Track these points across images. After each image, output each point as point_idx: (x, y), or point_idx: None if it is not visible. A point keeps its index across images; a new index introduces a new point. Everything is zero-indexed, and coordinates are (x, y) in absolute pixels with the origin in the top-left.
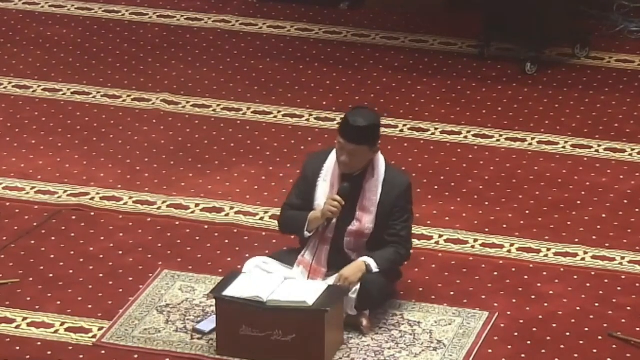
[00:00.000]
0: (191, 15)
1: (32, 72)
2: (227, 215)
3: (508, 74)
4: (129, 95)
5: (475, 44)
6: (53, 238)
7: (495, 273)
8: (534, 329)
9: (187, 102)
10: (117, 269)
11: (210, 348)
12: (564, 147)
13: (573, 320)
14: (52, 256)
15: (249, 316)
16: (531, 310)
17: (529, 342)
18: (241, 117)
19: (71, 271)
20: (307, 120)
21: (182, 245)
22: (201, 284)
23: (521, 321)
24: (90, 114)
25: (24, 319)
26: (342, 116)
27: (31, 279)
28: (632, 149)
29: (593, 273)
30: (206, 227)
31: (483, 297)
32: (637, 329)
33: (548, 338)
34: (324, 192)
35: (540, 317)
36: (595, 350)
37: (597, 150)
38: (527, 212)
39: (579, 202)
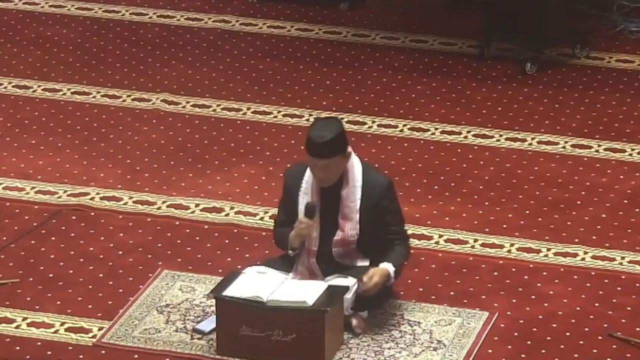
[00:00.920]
0: (191, 15)
1: (32, 72)
2: (227, 215)
3: (508, 74)
4: (129, 95)
5: (475, 44)
6: (53, 238)
7: (495, 273)
8: (534, 329)
9: (187, 102)
10: (117, 269)
11: (210, 348)
12: (564, 147)
13: (573, 320)
14: (52, 256)
15: (249, 316)
16: (531, 310)
17: (529, 342)
18: (241, 117)
19: (71, 271)
20: (307, 120)
21: (182, 245)
22: (201, 284)
23: (521, 321)
24: (90, 114)
25: (24, 319)
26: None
27: (31, 279)
28: (632, 149)
29: (593, 273)
30: (206, 227)
31: (483, 297)
32: (637, 329)
33: (548, 338)
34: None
35: (540, 317)
36: (595, 350)
37: (597, 150)
38: (527, 212)
39: (579, 202)
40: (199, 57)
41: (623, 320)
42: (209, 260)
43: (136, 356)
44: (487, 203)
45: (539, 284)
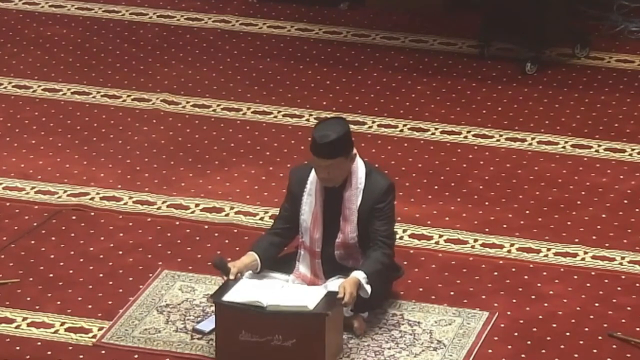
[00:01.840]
0: (191, 15)
1: (32, 72)
2: (227, 215)
3: (508, 74)
4: (129, 95)
5: (475, 44)
6: (53, 238)
7: (495, 273)
8: (534, 329)
9: (187, 102)
10: (117, 269)
11: (210, 348)
12: (564, 147)
13: (573, 320)
14: (52, 256)
15: (248, 321)
16: (531, 310)
17: (529, 342)
18: (241, 117)
19: (71, 271)
20: (307, 120)
21: (182, 245)
22: (201, 284)
23: (521, 321)
24: (90, 114)
25: (24, 319)
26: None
27: (31, 279)
28: (632, 149)
29: (593, 273)
30: (206, 227)
31: (483, 297)
32: (637, 329)
33: (548, 338)
34: (309, 207)
35: (540, 317)
36: (595, 350)
37: (597, 150)
38: (527, 212)
39: (579, 202)
40: (199, 57)
41: (623, 320)
42: (209, 260)
43: (136, 356)
44: (487, 203)
45: (539, 284)
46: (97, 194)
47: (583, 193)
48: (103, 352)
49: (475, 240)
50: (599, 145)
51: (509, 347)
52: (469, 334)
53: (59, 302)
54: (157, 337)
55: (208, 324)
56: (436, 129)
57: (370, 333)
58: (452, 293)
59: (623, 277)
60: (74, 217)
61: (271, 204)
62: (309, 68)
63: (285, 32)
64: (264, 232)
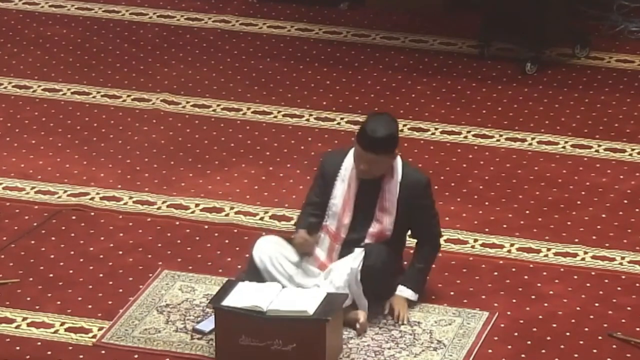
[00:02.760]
0: (191, 15)
1: (32, 72)
2: (227, 215)
3: (508, 74)
4: (129, 95)
5: (475, 44)
6: (53, 238)
7: (495, 273)
8: (534, 329)
9: (187, 102)
10: (117, 269)
11: (210, 348)
12: (564, 147)
13: (573, 320)
14: (52, 256)
15: (248, 326)
16: (531, 310)
17: (529, 342)
18: (241, 117)
19: (71, 271)
20: (307, 120)
21: (182, 245)
22: (201, 284)
23: (521, 321)
24: (90, 114)
25: (24, 319)
26: (361, 122)
27: (31, 279)
28: (632, 149)
29: (593, 273)
30: (206, 227)
31: (483, 297)
32: (637, 329)
33: (548, 338)
34: (342, 192)
35: (540, 317)
36: (595, 350)
37: (597, 150)
38: (527, 212)
39: (579, 202)
40: (199, 57)
41: (623, 320)
42: (209, 260)
43: (136, 356)
44: (487, 203)
45: (539, 284)
46: (97, 194)
47: (583, 193)
48: (103, 352)
49: (475, 240)
50: (599, 145)
51: (509, 347)
52: (469, 334)
53: (59, 302)
54: (157, 337)
55: (208, 324)
56: (436, 129)
57: (370, 333)
58: (452, 293)
59: (623, 277)
60: (74, 217)
61: (271, 204)
62: (309, 68)
63: (285, 32)
64: (263, 232)
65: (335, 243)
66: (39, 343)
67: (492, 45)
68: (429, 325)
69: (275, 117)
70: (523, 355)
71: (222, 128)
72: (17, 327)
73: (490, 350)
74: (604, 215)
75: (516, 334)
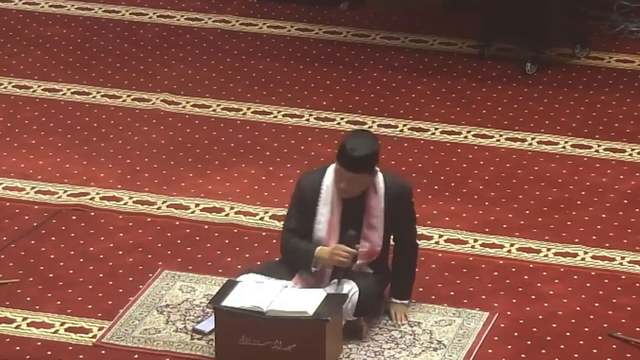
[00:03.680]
0: (191, 15)
1: (32, 72)
2: (227, 215)
3: (508, 74)
4: (129, 95)
5: (475, 44)
6: (53, 238)
7: (495, 273)
8: (534, 329)
9: (187, 102)
10: (117, 269)
11: (210, 348)
12: (564, 147)
13: (573, 320)
14: (52, 256)
15: (248, 326)
16: (531, 310)
17: (529, 342)
18: (241, 117)
19: (71, 271)
20: (307, 120)
21: (182, 245)
22: (201, 284)
23: (521, 321)
24: (90, 114)
25: (24, 319)
26: (340, 143)
27: (31, 279)
28: (632, 149)
29: (593, 273)
30: (206, 227)
31: (483, 297)
32: (637, 329)
33: (548, 338)
34: (326, 217)
35: (540, 317)
36: (595, 350)
37: (597, 150)
38: (527, 212)
39: (579, 202)
40: (199, 57)
41: (623, 320)
42: (209, 260)
43: (136, 356)
44: (487, 203)
45: (539, 284)
46: (97, 194)
47: (583, 193)
48: (103, 352)
49: (475, 240)
50: (599, 145)
51: (509, 347)
52: (469, 334)
53: (59, 302)
54: (157, 337)
55: (208, 324)
56: (436, 129)
57: (370, 333)
58: (452, 293)
59: (623, 277)
60: (74, 217)
61: (271, 204)
62: (309, 68)
63: (285, 32)
64: (263, 232)
65: (328, 267)
66: (39, 343)
67: (492, 45)
68: (429, 326)
69: (275, 117)
70: (523, 355)
71: (222, 128)
72: (17, 327)
73: (490, 350)
74: (604, 215)
75: (516, 334)
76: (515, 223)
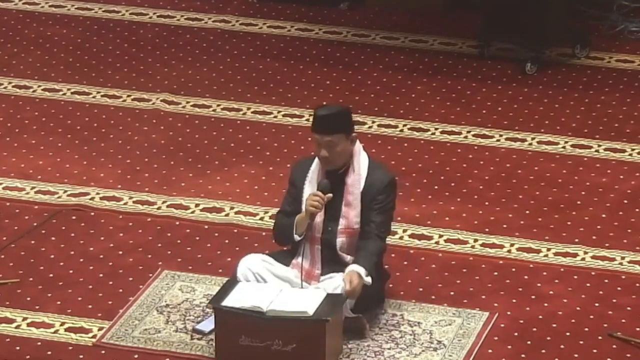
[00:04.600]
0: (191, 15)
1: (32, 72)
2: (227, 215)
3: (508, 74)
4: (129, 95)
5: (475, 44)
6: (53, 238)
7: (495, 273)
8: (534, 329)
9: (187, 102)
10: (117, 269)
11: (210, 348)
12: (564, 147)
13: (573, 320)
14: (52, 256)
15: (248, 326)
16: (531, 310)
17: (529, 342)
18: (241, 117)
19: (71, 271)
20: (307, 120)
21: (182, 245)
22: (201, 284)
23: (521, 321)
24: (90, 114)
25: (24, 319)
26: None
27: (31, 279)
28: (632, 149)
29: (593, 273)
30: (206, 227)
31: (483, 297)
32: (637, 329)
33: (548, 338)
34: (309, 193)
35: (540, 317)
36: (595, 350)
37: (597, 150)
38: (527, 212)
39: (579, 202)
40: (199, 57)
41: (623, 320)
42: (209, 260)
43: (136, 356)
44: (487, 203)
45: (539, 284)
46: (97, 194)
47: (583, 193)
48: (103, 352)
49: (475, 240)
50: (599, 145)
51: (509, 347)
52: (469, 334)
53: (59, 302)
54: (157, 337)
55: (208, 324)
56: (436, 129)
57: (370, 333)
58: (452, 293)
59: (623, 277)
60: (74, 217)
61: (271, 204)
62: (309, 68)
63: (285, 32)
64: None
65: (314, 245)
66: (39, 343)
67: (492, 45)
68: (429, 326)
69: (275, 117)
70: (523, 355)
71: (222, 128)
72: (17, 327)
73: (490, 350)
74: (604, 215)
75: (516, 334)
76: (515, 223)
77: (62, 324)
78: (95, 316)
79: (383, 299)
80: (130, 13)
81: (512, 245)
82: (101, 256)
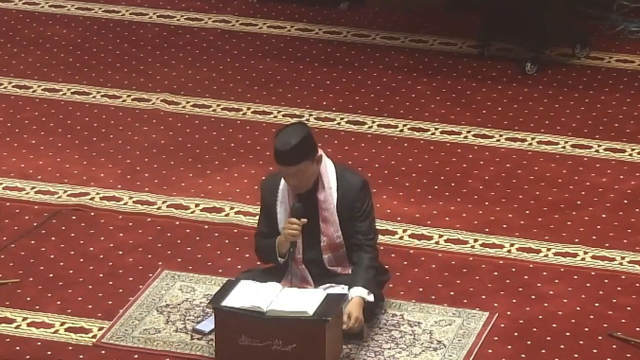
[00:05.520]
0: (191, 15)
1: (32, 72)
2: (227, 215)
3: (508, 74)
4: (129, 95)
5: (475, 44)
6: (53, 238)
7: (495, 273)
8: (534, 329)
9: (187, 102)
10: (117, 269)
11: (210, 348)
12: (564, 147)
13: (573, 320)
14: (52, 256)
15: (248, 326)
16: (531, 310)
17: (529, 342)
18: (241, 117)
19: (71, 271)
20: (307, 120)
21: (182, 245)
22: (201, 284)
23: (521, 321)
24: (90, 114)
25: (24, 319)
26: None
27: (31, 279)
28: (632, 149)
29: (593, 273)
30: (206, 227)
31: (483, 297)
32: (637, 329)
33: (548, 338)
34: (284, 215)
35: (540, 317)
36: (595, 350)
37: (597, 150)
38: (527, 212)
39: (579, 202)
40: (199, 57)
41: (623, 320)
42: (209, 260)
43: (136, 356)
44: (487, 203)
45: (539, 284)
46: (97, 194)
47: (583, 193)
48: (103, 352)
49: (475, 240)
50: (599, 145)
51: (509, 347)
52: (469, 334)
53: (59, 302)
54: (157, 337)
55: (208, 324)
56: (436, 129)
57: (370, 333)
58: (452, 293)
59: (623, 277)
60: (74, 217)
61: None
62: (309, 68)
63: (285, 32)
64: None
65: (297, 265)
66: (39, 343)
67: (492, 45)
68: (429, 326)
69: (275, 117)
70: (523, 355)
71: (222, 128)
72: (17, 327)
73: (490, 350)
74: (604, 215)
75: (516, 334)
76: (515, 223)
77: (62, 324)
78: (95, 316)
79: (383, 299)
80: (130, 13)
81: (512, 245)
82: (101, 256)
